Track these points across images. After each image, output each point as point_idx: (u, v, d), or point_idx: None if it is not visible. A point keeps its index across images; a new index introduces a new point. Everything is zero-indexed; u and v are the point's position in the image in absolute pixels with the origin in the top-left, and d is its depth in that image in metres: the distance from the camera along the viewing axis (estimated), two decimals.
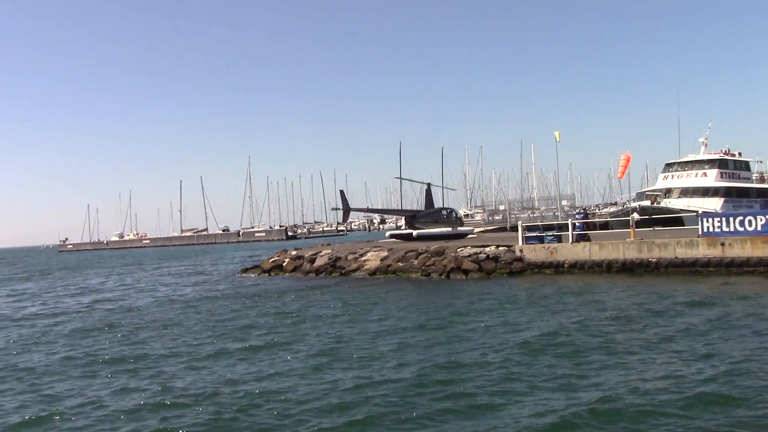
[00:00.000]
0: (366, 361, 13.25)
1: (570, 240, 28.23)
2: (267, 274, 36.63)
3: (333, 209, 43.95)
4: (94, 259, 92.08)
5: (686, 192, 47.01)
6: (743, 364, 11.39)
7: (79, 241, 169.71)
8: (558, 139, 47.97)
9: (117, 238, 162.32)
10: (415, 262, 30.78)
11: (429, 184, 46.00)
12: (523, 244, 29.26)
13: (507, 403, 9.99)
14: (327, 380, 11.82)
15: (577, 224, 29.06)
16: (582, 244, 27.67)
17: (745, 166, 51.15)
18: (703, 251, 24.57)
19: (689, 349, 12.79)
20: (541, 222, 40.31)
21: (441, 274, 29.04)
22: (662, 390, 10.11)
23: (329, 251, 36.57)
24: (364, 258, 33.42)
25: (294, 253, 39.04)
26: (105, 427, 9.99)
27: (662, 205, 45.56)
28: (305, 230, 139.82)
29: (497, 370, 11.75)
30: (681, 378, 10.71)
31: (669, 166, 50.64)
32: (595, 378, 11.07)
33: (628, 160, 30.36)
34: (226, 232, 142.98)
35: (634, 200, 51.44)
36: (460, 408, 9.86)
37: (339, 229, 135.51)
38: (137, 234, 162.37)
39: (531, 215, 57.56)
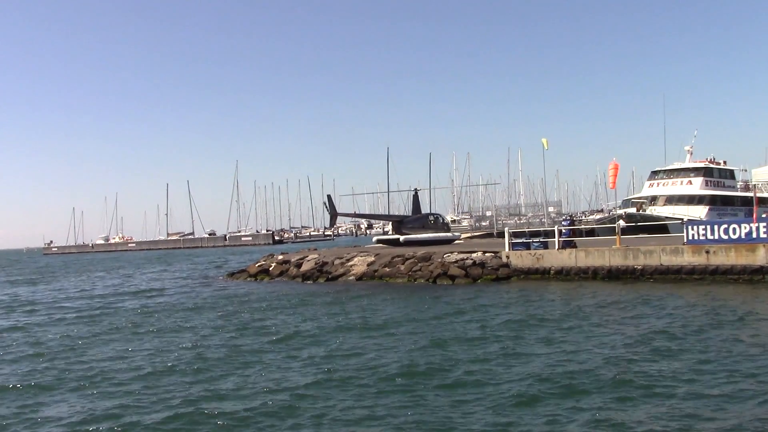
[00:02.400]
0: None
1: (556, 246, 28.32)
2: (254, 279, 36.44)
3: (324, 203, 43.79)
4: (78, 262, 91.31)
5: (671, 200, 47.42)
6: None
7: (64, 244, 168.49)
8: (546, 147, 48.14)
9: (102, 241, 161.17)
10: (402, 267, 30.75)
11: (416, 190, 46.02)
12: (509, 250, 29.31)
13: None
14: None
15: (563, 231, 29.15)
16: (568, 250, 27.76)
17: (730, 174, 51.69)
18: (688, 259, 24.72)
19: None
20: (528, 228, 40.43)
21: (427, 280, 29.03)
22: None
23: (316, 256, 36.47)
24: (350, 263, 33.34)
25: (281, 257, 38.89)
26: None
27: (648, 212, 45.89)
28: (292, 235, 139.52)
29: None
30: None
31: (655, 174, 51.06)
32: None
33: (616, 169, 30.33)
34: (212, 236, 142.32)
35: (620, 208, 51.80)
36: None
37: (326, 233, 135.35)
38: (123, 237, 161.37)
39: (518, 221, 57.71)
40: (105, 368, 14.16)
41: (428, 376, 12.11)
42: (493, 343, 15.07)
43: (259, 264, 38.98)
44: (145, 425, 9.99)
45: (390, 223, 46.11)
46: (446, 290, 25.93)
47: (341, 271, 32.77)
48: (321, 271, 33.50)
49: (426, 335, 16.43)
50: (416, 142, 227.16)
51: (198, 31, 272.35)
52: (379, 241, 43.10)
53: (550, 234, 30.15)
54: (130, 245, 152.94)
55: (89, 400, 11.62)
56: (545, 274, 27.56)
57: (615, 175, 31.14)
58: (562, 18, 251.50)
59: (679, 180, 48.88)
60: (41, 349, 16.92)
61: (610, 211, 64.69)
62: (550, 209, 57.58)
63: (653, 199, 48.46)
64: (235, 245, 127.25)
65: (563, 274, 27.12)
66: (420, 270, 29.91)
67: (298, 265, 35.27)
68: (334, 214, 43.11)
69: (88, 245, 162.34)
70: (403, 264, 30.99)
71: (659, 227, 36.56)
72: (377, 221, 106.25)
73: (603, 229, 37.85)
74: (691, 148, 51.68)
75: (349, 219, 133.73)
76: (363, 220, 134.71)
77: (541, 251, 28.36)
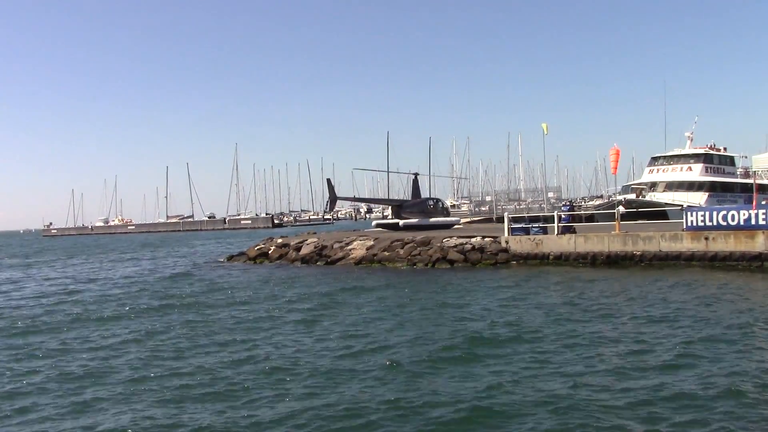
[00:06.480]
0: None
1: (555, 232, 28.32)
2: (252, 262, 36.47)
3: (327, 179, 43.78)
4: (77, 245, 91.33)
5: (671, 186, 47.38)
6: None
7: (64, 226, 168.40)
8: (545, 132, 47.99)
9: (102, 224, 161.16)
10: (401, 251, 30.75)
11: (416, 174, 45.96)
12: (508, 235, 29.31)
13: None
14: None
15: (563, 216, 29.14)
16: (567, 236, 27.75)
17: (730, 161, 51.61)
18: (687, 245, 24.73)
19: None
20: (527, 214, 40.41)
21: (426, 264, 29.04)
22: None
23: (315, 240, 36.44)
24: (350, 247, 33.33)
25: (280, 241, 38.87)
26: None
27: (647, 198, 45.86)
28: (291, 218, 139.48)
29: None
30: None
31: (655, 160, 50.98)
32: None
33: (617, 154, 30.11)
34: (212, 219, 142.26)
35: (619, 193, 51.78)
36: None
37: (325, 217, 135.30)
38: (122, 219, 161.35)
39: (517, 207, 57.75)
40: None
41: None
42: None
43: (258, 247, 38.95)
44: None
45: (389, 207, 46.09)
46: (445, 274, 25.98)
47: (340, 254, 32.77)
48: (320, 255, 33.50)
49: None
50: (416, 126, 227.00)
51: (198, 14, 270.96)
52: (378, 226, 43.06)
53: (549, 219, 30.13)
54: (129, 228, 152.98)
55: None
56: (544, 260, 27.57)
57: (617, 161, 31.00)
58: (563, 3, 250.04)
59: (679, 166, 48.80)
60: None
61: (609, 196, 64.66)
62: (550, 194, 57.64)
63: (653, 185, 48.42)
64: (234, 228, 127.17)
65: (562, 260, 27.13)
66: (419, 254, 29.92)
67: (298, 249, 35.26)
68: (333, 198, 43.04)
69: (87, 227, 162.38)
70: (402, 248, 30.99)
71: (659, 213, 36.54)
72: (377, 205, 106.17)
73: (602, 215, 37.79)
74: (692, 134, 51.56)
75: (349, 203, 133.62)
76: (362, 204, 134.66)
77: (541, 236, 28.37)
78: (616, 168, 31.80)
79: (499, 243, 29.21)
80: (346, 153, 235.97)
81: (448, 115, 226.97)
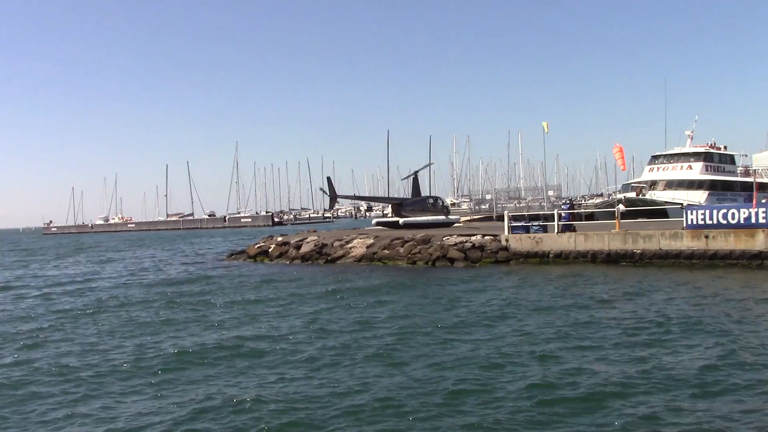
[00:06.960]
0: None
1: (555, 230, 28.33)
2: (253, 260, 36.51)
3: (320, 189, 43.95)
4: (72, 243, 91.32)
5: (671, 184, 47.39)
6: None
7: (64, 224, 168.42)
8: (546, 130, 48.05)
9: (102, 222, 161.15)
10: (401, 250, 30.77)
11: (416, 173, 45.95)
12: (508, 233, 29.32)
13: None
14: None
15: (563, 215, 29.15)
16: (567, 234, 27.76)
17: (730, 159, 51.64)
18: (687, 243, 24.75)
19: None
20: (528, 212, 40.41)
21: (426, 263, 29.07)
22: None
23: (315, 238, 36.46)
24: (350, 245, 33.36)
25: (280, 239, 38.89)
26: None
27: (647, 197, 45.87)
28: (291, 217, 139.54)
29: None
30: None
31: (655, 159, 51.00)
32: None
33: (622, 151, 30.13)
34: (212, 217, 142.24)
35: (619, 192, 51.82)
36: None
37: (325, 216, 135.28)
38: (122, 217, 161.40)
39: (517, 205, 57.77)
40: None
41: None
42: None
43: (258, 245, 38.97)
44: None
45: (390, 205, 46.08)
46: (445, 272, 26.01)
47: (340, 253, 32.80)
48: (320, 253, 33.52)
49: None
50: (416, 124, 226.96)
51: (198, 12, 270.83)
52: (378, 224, 43.05)
53: (549, 218, 30.11)
54: (129, 226, 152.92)
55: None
56: (544, 258, 27.57)
57: (623, 157, 30.91)
58: (563, 2, 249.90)
59: (679, 165, 48.81)
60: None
61: (609, 195, 64.68)
62: (550, 193, 57.66)
63: (653, 184, 48.43)
64: (234, 227, 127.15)
65: (562, 258, 27.13)
66: (419, 253, 29.94)
67: (298, 247, 35.28)
68: (333, 197, 43.06)
69: (87, 225, 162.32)
70: (402, 246, 31.02)
71: (659, 211, 36.53)
72: (377, 203, 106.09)
73: (602, 213, 37.82)
74: (692, 132, 51.59)
75: (349, 201, 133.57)
76: (362, 203, 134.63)
77: (541, 235, 28.38)
78: (624, 164, 31.66)
79: (499, 241, 29.22)
80: (346, 151, 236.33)
81: (448, 113, 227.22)
